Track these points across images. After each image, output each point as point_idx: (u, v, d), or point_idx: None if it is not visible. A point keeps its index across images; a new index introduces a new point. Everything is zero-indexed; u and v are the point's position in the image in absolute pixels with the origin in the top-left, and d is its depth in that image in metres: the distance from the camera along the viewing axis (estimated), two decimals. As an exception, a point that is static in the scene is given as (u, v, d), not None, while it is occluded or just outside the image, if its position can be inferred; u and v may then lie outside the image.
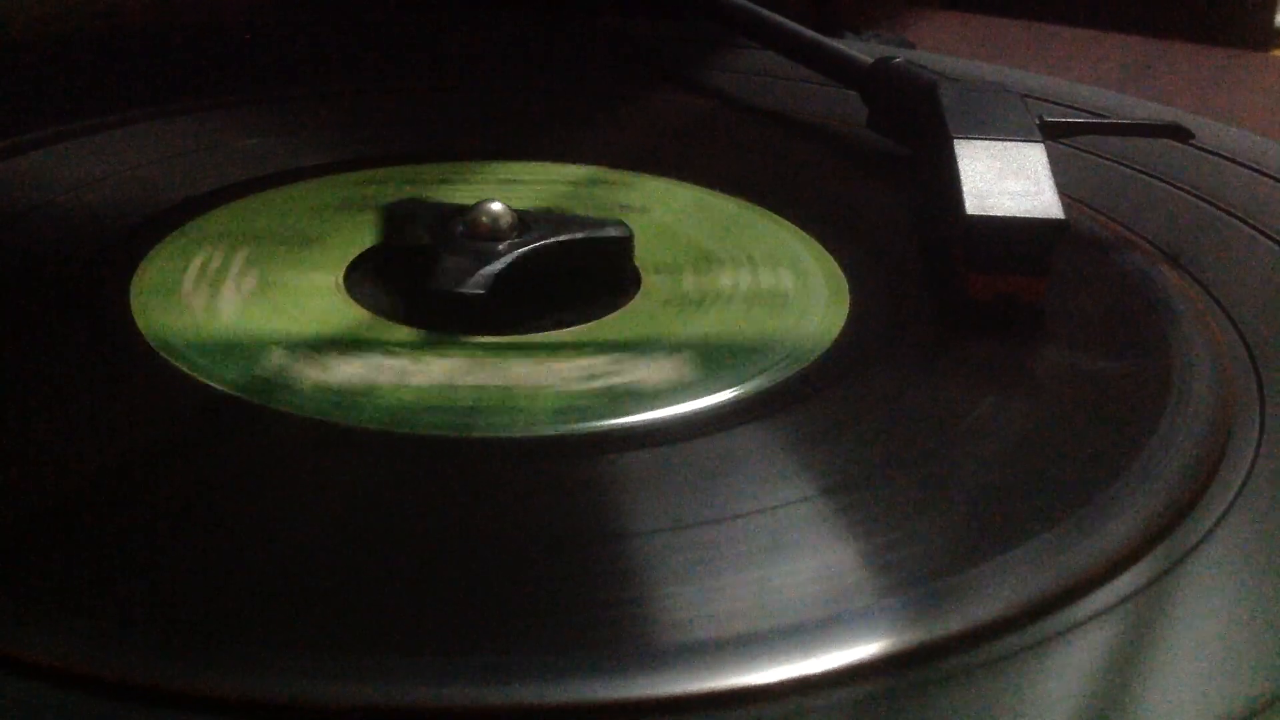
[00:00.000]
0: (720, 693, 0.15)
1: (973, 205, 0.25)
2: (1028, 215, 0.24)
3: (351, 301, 0.24)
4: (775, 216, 0.29)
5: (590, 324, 0.24)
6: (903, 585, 0.17)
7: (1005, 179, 0.25)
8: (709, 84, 0.38)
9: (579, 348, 0.23)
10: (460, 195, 0.28)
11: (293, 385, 0.21)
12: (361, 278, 0.25)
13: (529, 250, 0.25)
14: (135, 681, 0.15)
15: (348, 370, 0.22)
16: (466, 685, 0.15)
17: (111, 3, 0.42)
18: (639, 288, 0.25)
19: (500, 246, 0.24)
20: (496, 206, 0.25)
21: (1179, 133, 0.31)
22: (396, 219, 0.26)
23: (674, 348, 0.23)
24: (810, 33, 0.36)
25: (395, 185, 0.29)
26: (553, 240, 0.25)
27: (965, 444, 0.21)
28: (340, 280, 0.25)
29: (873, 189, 0.31)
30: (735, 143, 0.34)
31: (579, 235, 0.26)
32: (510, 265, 0.24)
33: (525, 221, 0.25)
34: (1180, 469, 0.20)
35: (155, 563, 0.17)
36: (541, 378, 0.22)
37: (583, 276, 0.25)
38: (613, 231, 0.26)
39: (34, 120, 0.31)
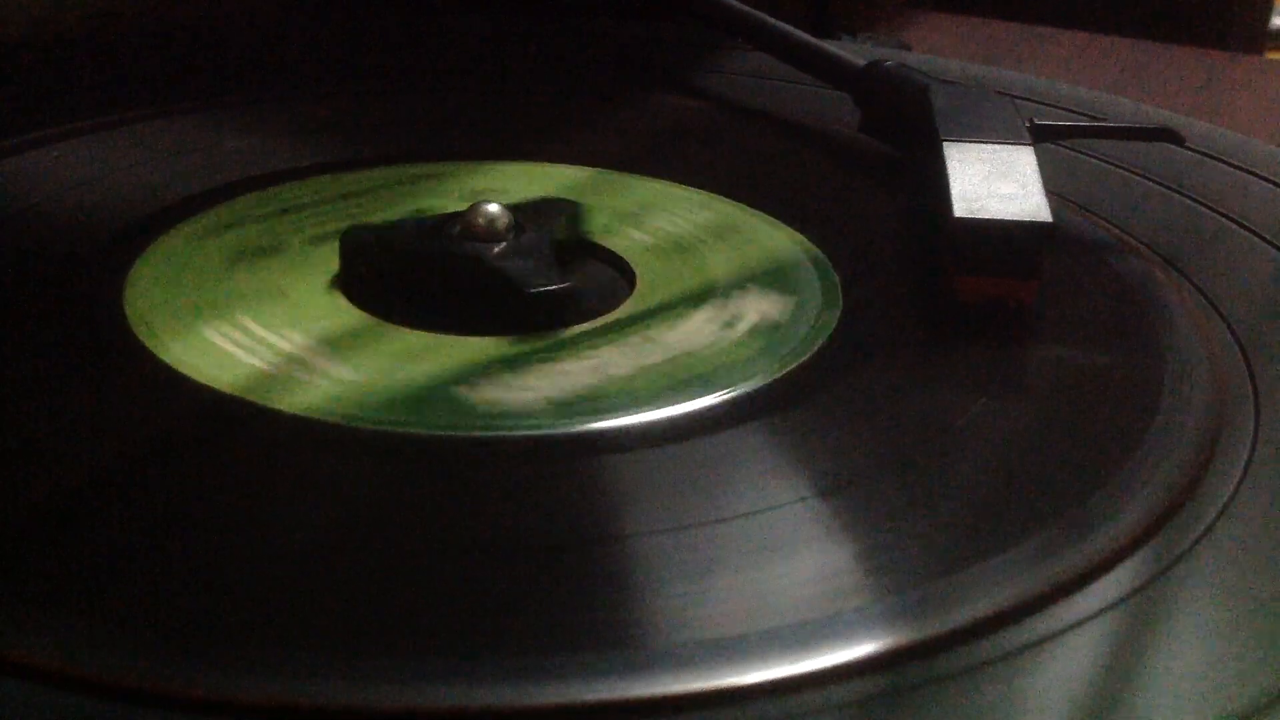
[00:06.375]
0: (715, 692, 0.15)
1: (961, 208, 0.25)
2: (1015, 218, 0.24)
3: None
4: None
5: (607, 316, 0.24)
6: (898, 585, 0.17)
7: (994, 182, 0.25)
8: (700, 86, 0.38)
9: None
10: (449, 198, 0.29)
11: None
12: (357, 281, 0.25)
13: (548, 240, 0.25)
14: (129, 684, 0.15)
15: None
16: (460, 686, 0.15)
17: (110, 3, 0.42)
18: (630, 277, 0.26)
19: (497, 249, 0.24)
20: (494, 208, 0.25)
21: (1171, 137, 0.31)
22: (356, 247, 0.25)
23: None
24: (803, 35, 0.36)
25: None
26: (548, 227, 0.25)
27: (959, 445, 0.21)
28: (335, 282, 0.25)
29: (866, 192, 0.31)
30: (727, 144, 0.34)
31: (561, 218, 0.26)
32: (554, 256, 0.24)
33: (517, 219, 0.25)
34: (1174, 469, 0.20)
35: (151, 565, 0.17)
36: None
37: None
38: (566, 209, 0.27)
39: (31, 120, 0.32)
